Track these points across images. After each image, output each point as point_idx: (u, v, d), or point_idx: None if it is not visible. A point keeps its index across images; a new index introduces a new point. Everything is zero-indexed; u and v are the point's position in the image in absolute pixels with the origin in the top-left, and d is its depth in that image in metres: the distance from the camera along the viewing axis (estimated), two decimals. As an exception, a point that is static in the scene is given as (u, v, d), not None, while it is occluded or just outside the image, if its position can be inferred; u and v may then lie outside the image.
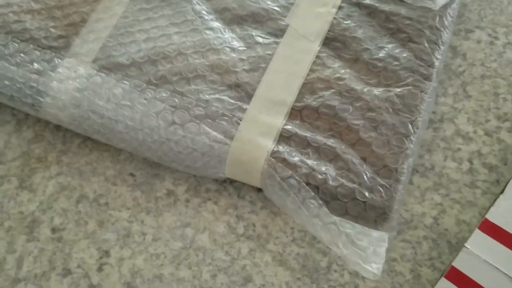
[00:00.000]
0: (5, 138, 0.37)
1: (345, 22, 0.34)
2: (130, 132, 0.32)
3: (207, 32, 0.35)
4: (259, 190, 0.33)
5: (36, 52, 0.35)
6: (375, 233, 0.28)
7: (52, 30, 0.36)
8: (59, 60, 0.34)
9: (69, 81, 0.34)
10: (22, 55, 0.35)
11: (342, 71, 0.33)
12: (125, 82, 0.33)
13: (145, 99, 0.33)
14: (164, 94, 0.33)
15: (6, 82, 0.34)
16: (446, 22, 0.34)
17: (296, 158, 0.30)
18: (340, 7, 0.35)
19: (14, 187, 0.35)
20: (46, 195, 0.34)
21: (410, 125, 0.30)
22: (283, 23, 0.35)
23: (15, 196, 0.34)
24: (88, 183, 0.34)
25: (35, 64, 0.34)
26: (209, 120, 0.32)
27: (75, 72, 0.34)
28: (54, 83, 0.34)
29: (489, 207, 0.30)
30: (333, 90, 0.32)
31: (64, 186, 0.34)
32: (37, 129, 0.37)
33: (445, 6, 0.34)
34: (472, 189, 0.32)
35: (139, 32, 0.35)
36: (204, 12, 0.36)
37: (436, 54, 0.33)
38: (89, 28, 0.36)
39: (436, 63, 0.33)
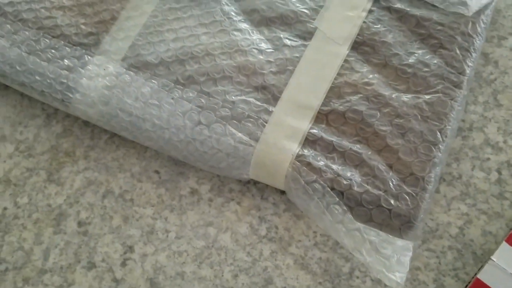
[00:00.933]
0: (34, 132, 0.37)
1: (375, 26, 0.34)
2: (157, 131, 0.33)
3: (235, 33, 0.35)
4: (283, 192, 0.33)
5: (67, 48, 0.35)
6: (400, 242, 0.28)
7: (83, 27, 0.36)
8: (89, 57, 0.35)
9: (98, 78, 0.34)
10: (53, 51, 0.36)
11: (371, 76, 0.32)
12: (153, 81, 0.34)
13: (173, 98, 0.33)
14: (191, 94, 0.33)
15: (37, 77, 0.35)
16: (479, 29, 0.34)
17: (321, 163, 0.30)
18: (370, 11, 0.34)
19: (43, 180, 0.35)
20: (73, 189, 0.35)
21: (438, 133, 0.30)
22: (311, 26, 0.34)
23: (43, 189, 0.35)
24: (114, 178, 0.35)
25: (65, 60, 0.35)
26: (235, 122, 0.32)
27: (104, 69, 0.34)
28: (84, 80, 0.34)
29: (517, 220, 0.30)
30: (361, 95, 0.32)
31: (91, 181, 0.35)
32: (66, 124, 0.37)
33: (479, 12, 0.34)
34: (500, 200, 0.31)
35: (168, 32, 0.36)
36: (232, 13, 0.36)
37: (467, 61, 0.32)
38: (119, 26, 0.36)
39: (467, 71, 0.32)
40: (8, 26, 0.37)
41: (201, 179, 0.35)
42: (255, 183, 0.34)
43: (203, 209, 0.33)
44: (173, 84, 0.33)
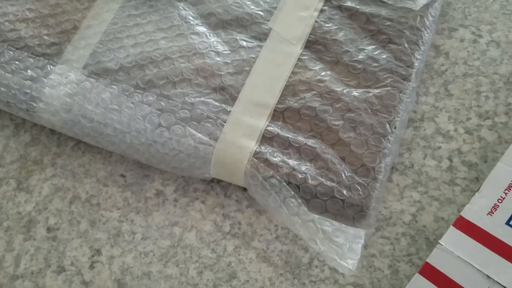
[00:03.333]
0: (4, 142, 0.38)
1: (327, 25, 0.35)
2: (118, 135, 0.34)
3: (193, 36, 0.36)
4: (245, 189, 0.34)
5: (30, 59, 0.36)
6: (352, 230, 0.29)
7: (46, 37, 0.37)
8: (51, 66, 0.36)
9: (60, 86, 0.35)
10: (17, 62, 0.36)
11: (323, 73, 0.33)
12: (113, 86, 0.35)
13: (132, 103, 0.34)
14: (150, 98, 0.34)
15: (2, 88, 0.36)
16: (427, 22, 0.35)
17: (277, 158, 0.31)
18: (322, 11, 0.36)
19: (12, 189, 0.36)
20: (42, 196, 0.36)
21: (388, 125, 0.31)
22: (266, 27, 0.36)
23: (13, 197, 0.36)
24: (80, 184, 0.36)
25: (29, 71, 0.36)
26: (194, 123, 0.33)
27: (66, 78, 0.35)
28: (46, 89, 0.35)
29: (467, 204, 0.31)
30: (314, 92, 0.33)
31: (59, 187, 0.36)
32: (34, 133, 0.38)
33: (427, 6, 0.35)
34: (451, 186, 0.32)
35: (127, 38, 0.37)
36: (190, 17, 0.37)
37: (416, 55, 0.33)
38: (80, 35, 0.37)
39: (416, 64, 0.33)
40: (-27, 40, 0.38)
41: (166, 181, 0.36)
42: (219, 181, 0.35)
43: (169, 210, 0.34)
44: (133, 89, 0.34)
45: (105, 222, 0.34)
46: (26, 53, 0.37)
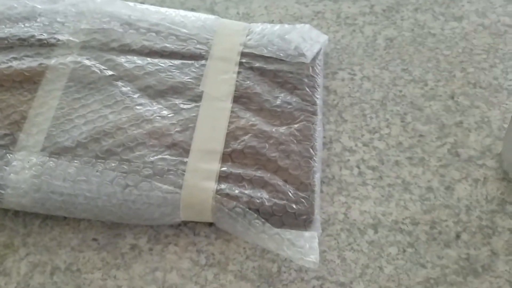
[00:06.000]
0: (-40, 237, 0.39)
1: (245, 82, 0.44)
2: (90, 202, 0.38)
3: (138, 107, 0.42)
4: (210, 224, 0.41)
5: (-16, 152, 0.39)
6: (307, 234, 0.37)
7: (-6, 130, 0.40)
8: (10, 155, 0.39)
9: (25, 171, 0.38)
10: (-31, 157, 0.38)
11: (253, 119, 0.42)
12: (75, 161, 0.39)
13: (97, 171, 0.38)
14: (113, 164, 0.39)
15: (-41, 183, 0.38)
16: (317, 70, 0.46)
17: (236, 191, 0.38)
18: (239, 72, 0.45)
19: (-17, 278, 0.37)
20: (21, 275, 0.37)
21: (311, 149, 0.41)
22: (198, 90, 0.43)
23: (-14, 286, 0.37)
24: (56, 256, 0.38)
25: (-13, 163, 0.38)
26: (158, 177, 0.39)
27: (28, 162, 0.38)
28: (12, 176, 0.38)
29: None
30: (251, 134, 0.41)
31: (36, 263, 0.38)
32: (-7, 221, 0.40)
33: (314, 58, 0.46)
34: (364, 186, 0.43)
35: (78, 118, 0.41)
36: (130, 92, 0.43)
37: (316, 95, 0.44)
38: (30, 123, 0.41)
39: (318, 101, 0.44)
40: None
41: (138, 234, 0.40)
42: (186, 223, 0.41)
43: (146, 259, 0.39)
44: (94, 160, 0.39)
45: (90, 284, 0.37)
46: (-24, 148, 0.39)
